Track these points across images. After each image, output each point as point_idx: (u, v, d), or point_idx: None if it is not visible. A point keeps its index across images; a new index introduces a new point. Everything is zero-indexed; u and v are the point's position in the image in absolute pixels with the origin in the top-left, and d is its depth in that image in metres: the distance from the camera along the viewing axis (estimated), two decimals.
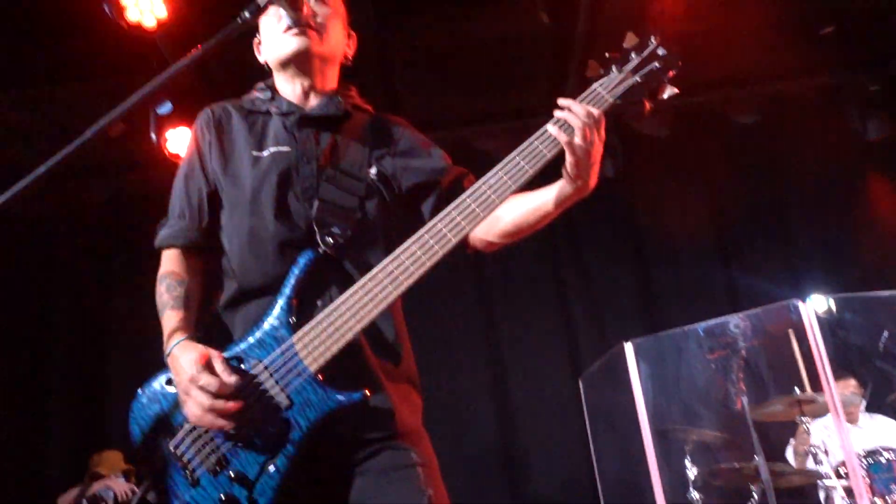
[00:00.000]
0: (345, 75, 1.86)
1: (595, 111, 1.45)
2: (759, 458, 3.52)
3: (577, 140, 1.43)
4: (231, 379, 1.44)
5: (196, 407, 1.44)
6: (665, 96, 1.54)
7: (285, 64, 1.76)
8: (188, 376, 1.45)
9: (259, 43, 1.85)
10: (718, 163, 4.94)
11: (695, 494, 3.64)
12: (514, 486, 4.41)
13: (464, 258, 1.76)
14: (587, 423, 4.06)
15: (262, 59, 1.86)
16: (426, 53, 4.32)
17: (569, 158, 1.45)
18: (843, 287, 4.15)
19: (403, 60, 4.25)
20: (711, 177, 4.93)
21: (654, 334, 3.84)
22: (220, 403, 1.42)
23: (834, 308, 3.88)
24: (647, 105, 1.56)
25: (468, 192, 1.51)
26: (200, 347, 1.49)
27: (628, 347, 3.67)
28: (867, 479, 3.43)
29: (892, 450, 3.49)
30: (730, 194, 4.92)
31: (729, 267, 4.78)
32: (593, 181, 1.50)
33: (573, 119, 1.43)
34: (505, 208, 1.57)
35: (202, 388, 1.42)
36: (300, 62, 1.74)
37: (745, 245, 4.82)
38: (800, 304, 3.42)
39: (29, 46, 3.92)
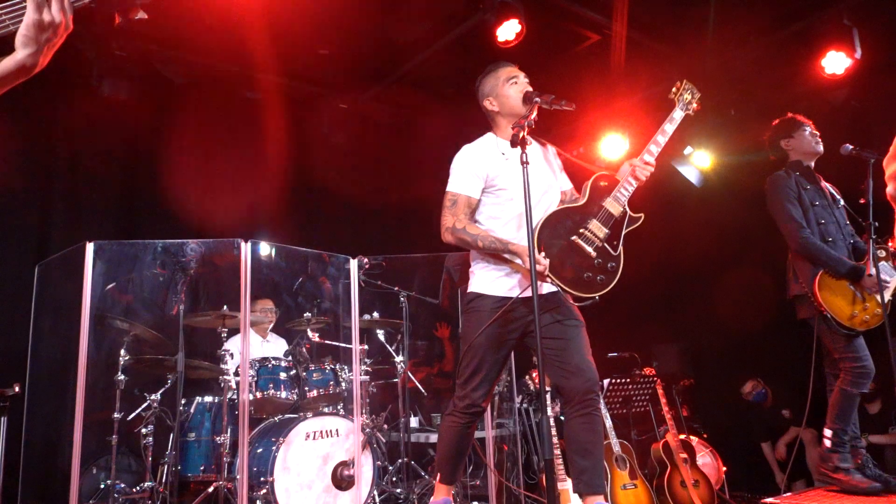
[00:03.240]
0: None
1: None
2: (180, 355, 4.21)
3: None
4: None
5: None
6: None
7: None
8: None
9: None
10: None
11: (121, 376, 4.05)
12: None
13: None
14: (33, 306, 4.18)
15: None
16: None
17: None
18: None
19: None
20: None
21: (117, 241, 4.20)
22: None
23: (273, 254, 5.02)
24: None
25: None
26: None
27: (90, 247, 3.89)
28: (254, 378, 4.56)
29: (277, 359, 4.58)
30: None
31: None
32: (41, 61, 1.52)
33: None
34: None
35: None
36: None
37: None
38: (242, 243, 4.13)
39: None
